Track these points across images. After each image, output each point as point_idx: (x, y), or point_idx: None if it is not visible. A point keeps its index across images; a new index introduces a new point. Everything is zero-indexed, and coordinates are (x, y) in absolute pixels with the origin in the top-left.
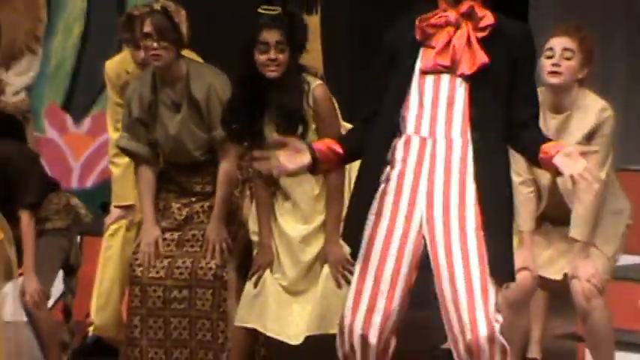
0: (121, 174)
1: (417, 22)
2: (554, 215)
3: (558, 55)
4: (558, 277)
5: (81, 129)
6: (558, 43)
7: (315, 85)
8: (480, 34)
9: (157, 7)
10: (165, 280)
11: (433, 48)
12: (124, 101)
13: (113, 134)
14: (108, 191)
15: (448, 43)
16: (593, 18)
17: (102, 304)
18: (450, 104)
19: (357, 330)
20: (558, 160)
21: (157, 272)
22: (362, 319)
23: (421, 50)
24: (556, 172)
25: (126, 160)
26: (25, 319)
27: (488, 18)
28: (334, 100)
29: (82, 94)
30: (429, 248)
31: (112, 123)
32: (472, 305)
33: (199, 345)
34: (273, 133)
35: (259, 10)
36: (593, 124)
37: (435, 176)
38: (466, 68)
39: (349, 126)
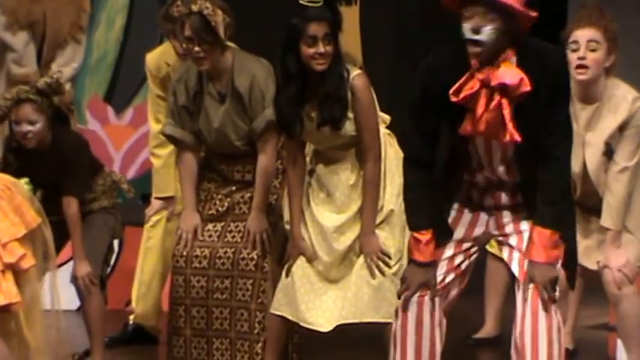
0: (162, 165)
1: (450, 92)
2: (587, 204)
3: (583, 48)
4: (595, 266)
5: (122, 120)
6: (582, 36)
7: (355, 75)
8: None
9: (195, 9)
10: (208, 270)
11: (470, 110)
12: (170, 89)
13: (154, 125)
14: (148, 183)
15: (483, 112)
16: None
17: (142, 293)
18: (490, 161)
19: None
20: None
21: (200, 262)
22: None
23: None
24: None
25: (167, 151)
26: (63, 307)
27: (524, 84)
28: (372, 90)
29: (123, 86)
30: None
31: (153, 114)
32: None
33: (237, 335)
34: (314, 122)
35: (302, 3)
36: (626, 115)
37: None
38: (501, 138)
39: (386, 116)
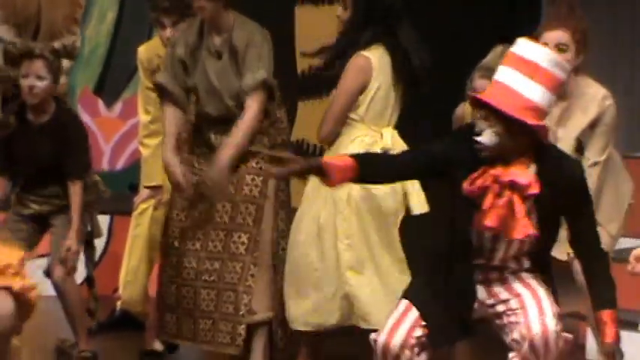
0: (151, 155)
1: (464, 184)
2: None
3: (552, 48)
4: (565, 257)
5: (112, 113)
6: (551, 39)
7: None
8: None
9: None
10: (200, 251)
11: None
12: (169, 42)
13: (144, 117)
14: (136, 173)
15: (490, 207)
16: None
17: (130, 280)
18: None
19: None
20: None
21: (193, 244)
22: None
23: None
24: None
25: (155, 141)
26: (50, 293)
27: (533, 187)
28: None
29: (113, 79)
30: None
31: (143, 106)
32: None
33: (221, 317)
34: None
35: None
36: (597, 113)
37: None
38: (513, 234)
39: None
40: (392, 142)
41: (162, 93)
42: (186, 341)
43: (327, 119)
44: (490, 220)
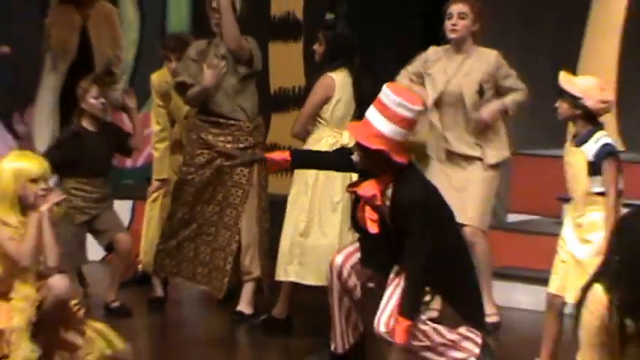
0: (160, 156)
1: (348, 186)
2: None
3: (455, 17)
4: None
5: None
6: (455, 9)
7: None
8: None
9: None
10: (200, 219)
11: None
12: (174, 72)
13: (155, 127)
14: (151, 169)
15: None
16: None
17: (147, 249)
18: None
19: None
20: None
21: (196, 212)
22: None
23: None
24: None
25: (164, 145)
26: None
27: (376, 199)
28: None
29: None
30: None
31: (155, 119)
32: None
33: (214, 268)
34: None
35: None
36: (493, 63)
37: None
38: (368, 229)
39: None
40: (349, 140)
41: (184, 88)
42: (186, 279)
43: (298, 120)
44: (360, 216)
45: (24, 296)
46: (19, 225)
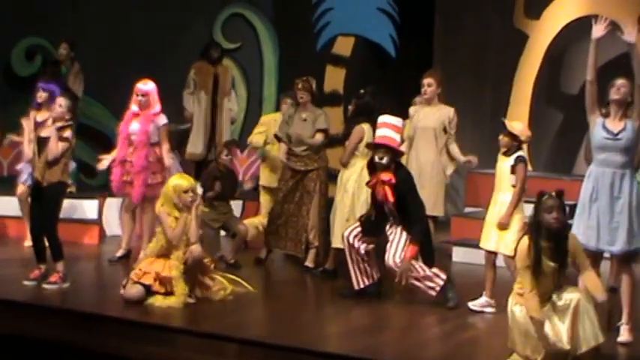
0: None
1: (366, 183)
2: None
3: (426, 86)
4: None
5: (243, 155)
6: (425, 82)
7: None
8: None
9: (309, 80)
10: (288, 210)
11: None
12: (282, 114)
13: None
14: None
15: (380, 192)
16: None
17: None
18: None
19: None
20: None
21: (287, 205)
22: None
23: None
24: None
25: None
26: None
27: (391, 180)
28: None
29: (245, 134)
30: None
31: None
32: None
33: (298, 241)
34: None
35: None
36: (448, 117)
37: None
38: (386, 199)
39: None
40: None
41: (278, 139)
42: (282, 249)
43: (345, 154)
44: (378, 195)
45: (177, 257)
46: (176, 218)
